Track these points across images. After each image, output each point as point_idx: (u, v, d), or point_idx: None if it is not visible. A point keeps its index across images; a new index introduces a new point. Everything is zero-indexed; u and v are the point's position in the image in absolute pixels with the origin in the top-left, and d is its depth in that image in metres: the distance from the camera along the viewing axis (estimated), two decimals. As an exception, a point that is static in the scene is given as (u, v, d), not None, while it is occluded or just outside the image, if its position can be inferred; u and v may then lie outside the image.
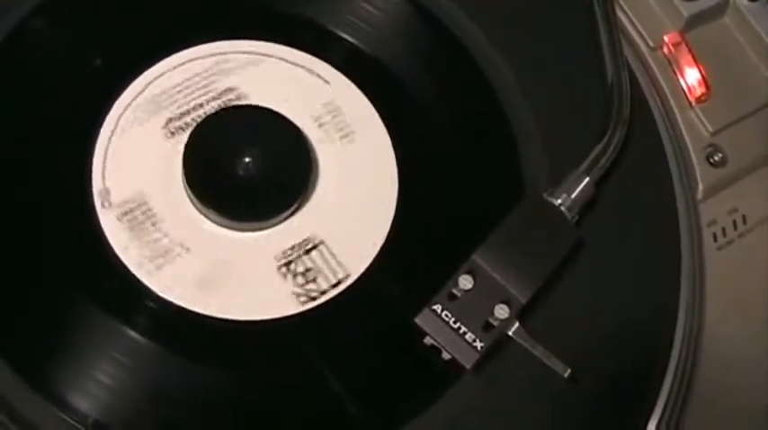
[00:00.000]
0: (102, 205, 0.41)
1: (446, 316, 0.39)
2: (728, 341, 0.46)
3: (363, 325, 0.42)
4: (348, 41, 0.47)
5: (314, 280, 0.42)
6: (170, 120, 0.44)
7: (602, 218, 0.44)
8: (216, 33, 0.46)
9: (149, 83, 0.44)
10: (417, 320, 0.39)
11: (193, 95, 0.44)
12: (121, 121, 0.43)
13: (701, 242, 0.47)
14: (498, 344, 0.40)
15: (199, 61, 0.45)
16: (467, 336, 0.39)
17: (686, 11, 0.50)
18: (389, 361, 0.41)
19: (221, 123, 0.43)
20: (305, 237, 0.42)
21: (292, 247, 0.42)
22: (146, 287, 0.40)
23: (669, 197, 0.47)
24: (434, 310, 0.39)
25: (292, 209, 0.42)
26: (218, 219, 0.42)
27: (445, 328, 0.39)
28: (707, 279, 0.47)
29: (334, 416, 0.40)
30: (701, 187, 0.48)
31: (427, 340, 0.39)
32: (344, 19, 0.47)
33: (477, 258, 0.40)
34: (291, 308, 0.41)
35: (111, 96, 0.44)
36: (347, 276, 0.42)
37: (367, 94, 0.46)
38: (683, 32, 0.51)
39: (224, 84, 0.45)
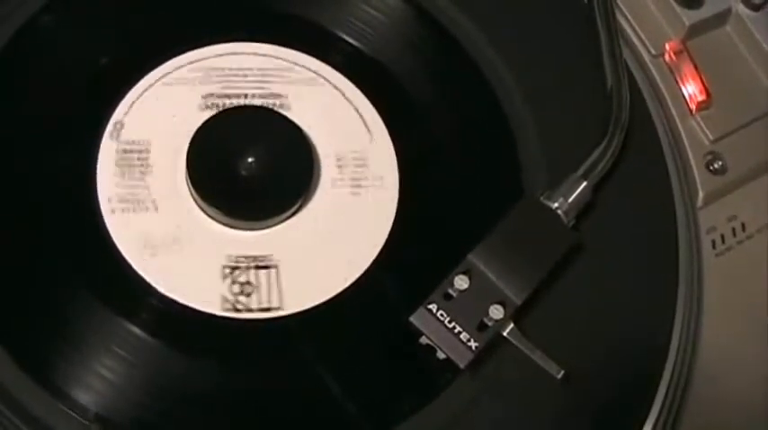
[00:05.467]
0: (111, 135, 0.43)
1: (441, 315, 0.39)
2: (725, 347, 0.46)
3: (360, 323, 0.42)
4: (349, 43, 0.47)
5: (248, 295, 0.41)
6: (211, 95, 0.45)
7: (600, 222, 0.44)
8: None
9: (216, 55, 0.46)
10: (412, 319, 0.39)
11: (242, 84, 0.45)
12: (174, 74, 0.45)
13: (699, 249, 0.47)
14: (494, 344, 0.40)
15: (262, 58, 0.46)
16: (461, 336, 0.39)
17: (688, 19, 0.50)
18: (385, 360, 0.41)
19: (224, 123, 0.43)
20: (265, 254, 0.42)
21: (247, 257, 0.42)
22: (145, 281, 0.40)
23: (668, 203, 0.47)
24: (430, 310, 0.39)
25: (292, 211, 0.43)
26: (218, 215, 0.42)
27: (440, 328, 0.39)
28: (705, 285, 0.47)
29: (331, 415, 0.40)
30: (700, 194, 0.49)
31: (422, 339, 0.39)
32: (346, 20, 0.48)
33: (474, 258, 0.40)
34: (211, 308, 0.40)
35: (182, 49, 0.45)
36: (278, 308, 0.41)
37: (368, 96, 0.46)
38: (684, 40, 0.51)
39: (276, 88, 0.45)
